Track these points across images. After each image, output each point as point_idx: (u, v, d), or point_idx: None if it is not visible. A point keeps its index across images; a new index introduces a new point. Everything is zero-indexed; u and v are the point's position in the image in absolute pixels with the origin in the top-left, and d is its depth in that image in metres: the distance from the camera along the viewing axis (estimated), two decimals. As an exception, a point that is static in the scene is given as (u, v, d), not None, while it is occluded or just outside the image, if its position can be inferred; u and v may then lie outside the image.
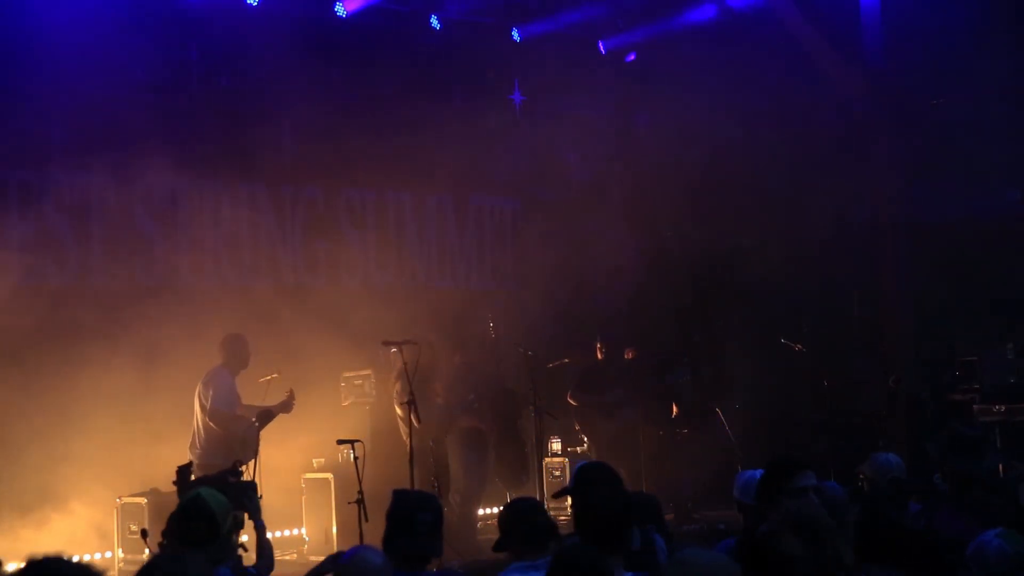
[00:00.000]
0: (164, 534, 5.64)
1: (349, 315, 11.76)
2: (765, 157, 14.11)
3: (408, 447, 10.25)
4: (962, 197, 14.53)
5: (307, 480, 11.25)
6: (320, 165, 12.55)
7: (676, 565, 4.01)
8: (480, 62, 13.97)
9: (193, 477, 7.59)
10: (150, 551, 5.73)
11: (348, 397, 11.71)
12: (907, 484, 7.16)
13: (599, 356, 12.93)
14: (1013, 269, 13.92)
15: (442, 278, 13.89)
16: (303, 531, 11.32)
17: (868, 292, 14.67)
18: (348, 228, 13.13)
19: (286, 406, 10.32)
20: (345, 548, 5.77)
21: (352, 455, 9.74)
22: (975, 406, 12.74)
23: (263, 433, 10.06)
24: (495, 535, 5.43)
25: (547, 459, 12.82)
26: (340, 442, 10.24)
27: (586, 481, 5.67)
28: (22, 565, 3.80)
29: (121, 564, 10.19)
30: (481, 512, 12.18)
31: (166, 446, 10.42)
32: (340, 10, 12.61)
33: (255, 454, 9.80)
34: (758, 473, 5.79)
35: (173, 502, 6.60)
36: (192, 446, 10.34)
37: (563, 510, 12.19)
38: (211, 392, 10.29)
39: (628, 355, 13.19)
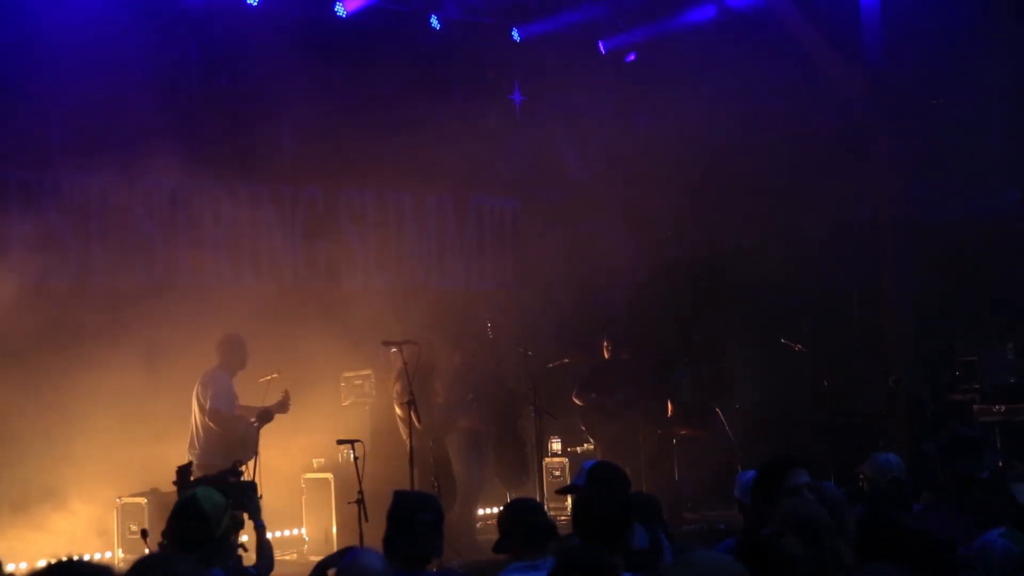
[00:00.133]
0: (164, 534, 5.64)
1: (349, 315, 11.77)
2: (765, 157, 14.11)
3: (408, 447, 10.25)
4: (962, 197, 14.53)
5: (307, 480, 11.25)
6: (320, 165, 12.55)
7: (682, 566, 4.01)
8: (480, 62, 13.97)
9: (193, 477, 7.59)
10: (150, 551, 5.72)
11: (348, 397, 11.71)
12: (909, 484, 7.16)
13: (605, 355, 12.84)
14: (1013, 269, 13.93)
15: (442, 278, 13.89)
16: (303, 531, 11.33)
17: (868, 292, 14.67)
18: (348, 228, 13.13)
19: (282, 406, 10.32)
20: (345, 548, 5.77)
21: (352, 455, 9.73)
22: (975, 406, 12.75)
23: (263, 433, 10.06)
24: (495, 535, 5.43)
25: (547, 459, 12.82)
26: (340, 442, 10.24)
27: (598, 480, 5.68)
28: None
29: (121, 564, 10.18)
30: (481, 512, 12.19)
31: (166, 446, 10.42)
32: (340, 10, 12.61)
33: (254, 454, 9.81)
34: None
35: (173, 502, 6.60)
36: (191, 447, 10.34)
37: (563, 510, 12.19)
38: (210, 392, 10.29)
39: (623, 355, 13.12)
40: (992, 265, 14.06)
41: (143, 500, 10.20)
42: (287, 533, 11.48)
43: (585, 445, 13.40)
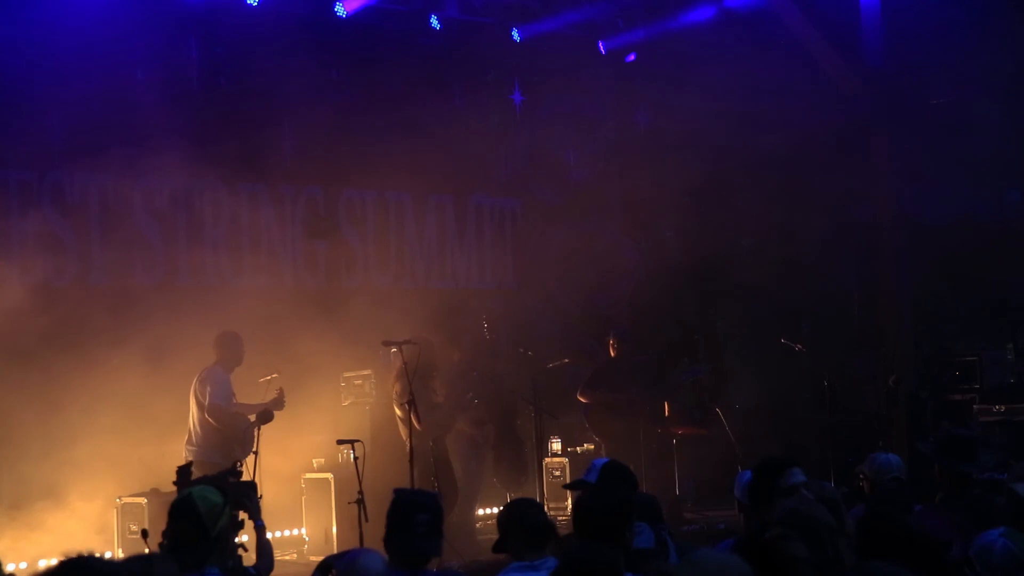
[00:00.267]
0: (164, 534, 5.63)
1: (349, 315, 11.77)
2: (765, 157, 14.11)
3: (408, 447, 10.25)
4: (962, 197, 14.53)
5: (307, 480, 11.25)
6: (320, 165, 12.55)
7: (688, 566, 4.01)
8: (480, 62, 13.96)
9: (193, 477, 7.58)
10: (150, 551, 5.71)
11: (348, 397, 11.71)
12: (909, 485, 7.16)
13: (612, 353, 12.80)
14: (1013, 269, 13.92)
15: (442, 278, 13.88)
16: (303, 531, 11.32)
17: (868, 292, 14.67)
18: (348, 228, 13.13)
19: (278, 403, 10.34)
20: (345, 548, 5.77)
21: (352, 455, 9.74)
22: (975, 406, 12.75)
23: (263, 433, 10.06)
24: (495, 535, 5.43)
25: (547, 459, 12.81)
26: (340, 442, 10.25)
27: (611, 478, 5.68)
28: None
29: (121, 564, 10.17)
30: (481, 512, 12.19)
31: (167, 446, 10.44)
32: (340, 10, 12.60)
33: (252, 452, 9.82)
34: (757, 474, 5.79)
35: (173, 502, 6.60)
36: (188, 443, 10.36)
37: (563, 510, 12.19)
38: (208, 389, 10.30)
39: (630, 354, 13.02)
40: (992, 265, 14.06)
41: (143, 500, 10.20)
42: (287, 533, 11.47)
43: (585, 445, 13.40)
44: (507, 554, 5.32)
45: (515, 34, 13.98)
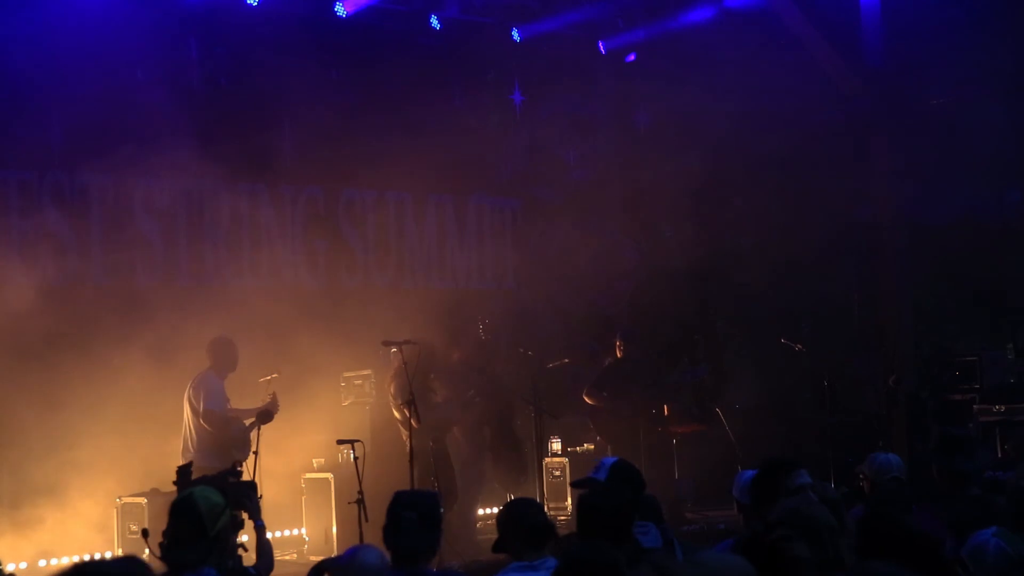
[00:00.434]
0: (164, 534, 5.64)
1: (349, 315, 11.77)
2: (765, 157, 14.11)
3: (408, 447, 10.26)
4: (962, 197, 14.53)
5: (307, 480, 11.25)
6: (320, 165, 12.55)
7: (692, 566, 4.02)
8: (480, 62, 13.97)
9: (192, 478, 7.58)
10: (150, 551, 5.72)
11: (348, 397, 11.71)
12: (909, 484, 7.17)
13: (618, 354, 12.78)
14: (1013, 269, 13.92)
15: (442, 278, 13.89)
16: (303, 531, 11.33)
17: (868, 292, 14.67)
18: (348, 228, 13.13)
19: (272, 406, 10.34)
20: (345, 548, 5.78)
21: (352, 455, 9.74)
22: (975, 406, 12.75)
23: (264, 433, 10.06)
24: (495, 535, 5.43)
25: (547, 459, 12.81)
26: (340, 442, 10.26)
27: (620, 478, 5.68)
28: (63, 566, 3.78)
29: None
30: (481, 512, 12.19)
31: (167, 446, 10.44)
32: (340, 10, 12.60)
33: (250, 454, 9.82)
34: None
35: (173, 502, 6.60)
36: (184, 450, 10.33)
37: (563, 510, 12.20)
38: (202, 394, 10.30)
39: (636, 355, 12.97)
40: (992, 265, 14.06)
41: (143, 500, 10.21)
42: (287, 533, 11.48)
43: (585, 444, 13.40)
44: (507, 554, 5.32)
45: (515, 34, 13.98)
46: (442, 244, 13.94)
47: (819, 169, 14.06)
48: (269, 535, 6.67)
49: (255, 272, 12.27)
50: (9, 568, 7.46)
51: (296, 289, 12.37)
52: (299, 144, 12.54)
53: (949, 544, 5.03)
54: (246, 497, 6.52)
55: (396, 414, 11.10)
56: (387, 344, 10.63)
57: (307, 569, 5.45)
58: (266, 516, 6.79)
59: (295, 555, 11.16)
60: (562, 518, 11.75)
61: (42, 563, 10.11)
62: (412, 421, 10.33)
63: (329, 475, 11.09)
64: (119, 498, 10.37)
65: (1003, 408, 12.47)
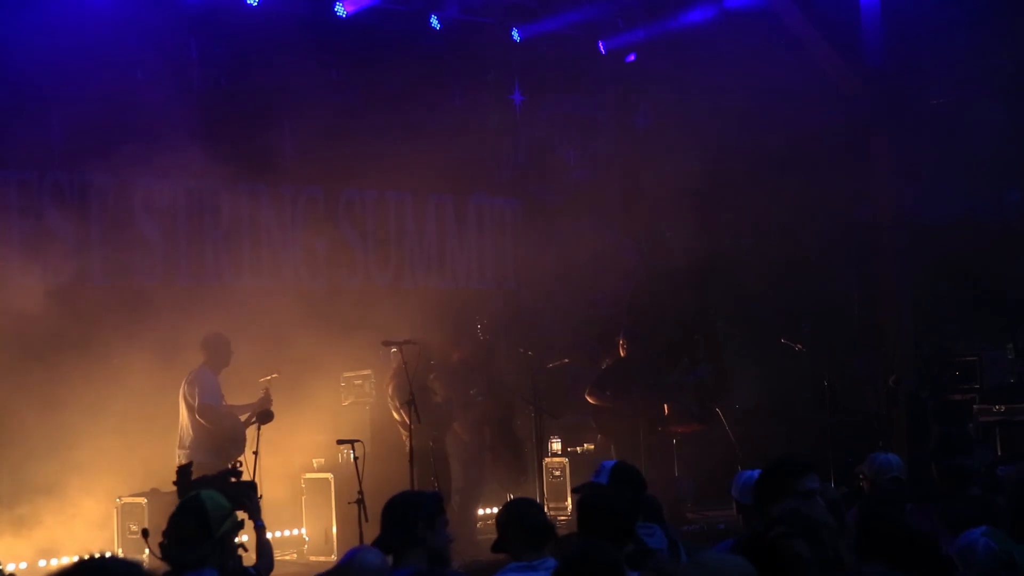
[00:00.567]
0: (165, 534, 5.65)
1: (349, 315, 11.77)
2: (765, 157, 14.11)
3: (408, 447, 10.26)
4: (962, 197, 14.53)
5: (307, 480, 11.25)
6: (320, 165, 12.55)
7: (693, 566, 4.02)
8: (480, 62, 13.97)
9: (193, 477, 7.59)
10: (150, 551, 5.73)
11: (348, 397, 11.72)
12: (908, 484, 7.17)
13: (621, 354, 12.77)
14: (1013, 269, 13.92)
15: (442, 278, 13.89)
16: (303, 531, 11.32)
17: (868, 292, 14.67)
18: (348, 228, 13.13)
19: (265, 402, 10.34)
20: (345, 548, 5.80)
21: (352, 455, 9.75)
22: (975, 406, 12.75)
23: (264, 433, 10.06)
24: (495, 535, 5.43)
25: (547, 459, 12.81)
26: (340, 442, 10.26)
27: (620, 480, 5.68)
28: (65, 564, 3.79)
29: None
30: (481, 512, 12.19)
31: (167, 446, 10.44)
32: (340, 10, 12.60)
33: (245, 451, 9.82)
34: (757, 473, 5.78)
35: (173, 502, 6.59)
36: (180, 446, 10.36)
37: (563, 510, 12.20)
38: (196, 390, 10.32)
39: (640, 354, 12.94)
40: (992, 265, 14.06)
41: (143, 500, 10.21)
42: (287, 533, 11.47)
43: (585, 445, 13.40)
44: (506, 554, 5.33)
45: (515, 34, 13.99)
46: (442, 244, 13.95)
47: (819, 169, 14.06)
48: (269, 535, 6.68)
49: (255, 272, 12.27)
50: (9, 568, 7.47)
51: (296, 289, 12.37)
52: (299, 144, 12.54)
53: (945, 543, 5.03)
54: (246, 497, 6.53)
55: (394, 415, 11.10)
56: (387, 344, 10.64)
57: (307, 569, 5.47)
58: (266, 516, 6.79)
59: (295, 555, 11.15)
60: (562, 518, 11.75)
61: (42, 563, 10.11)
62: (409, 421, 10.34)
63: (329, 475, 11.10)
64: (119, 498, 10.37)
65: (1003, 408, 12.46)
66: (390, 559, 5.25)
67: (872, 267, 14.66)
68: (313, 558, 10.77)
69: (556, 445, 13.05)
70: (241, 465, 8.20)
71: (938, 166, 14.38)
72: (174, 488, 7.33)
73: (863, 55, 14.31)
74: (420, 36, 13.32)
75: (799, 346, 13.44)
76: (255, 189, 12.36)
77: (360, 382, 11.68)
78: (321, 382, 11.47)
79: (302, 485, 11.24)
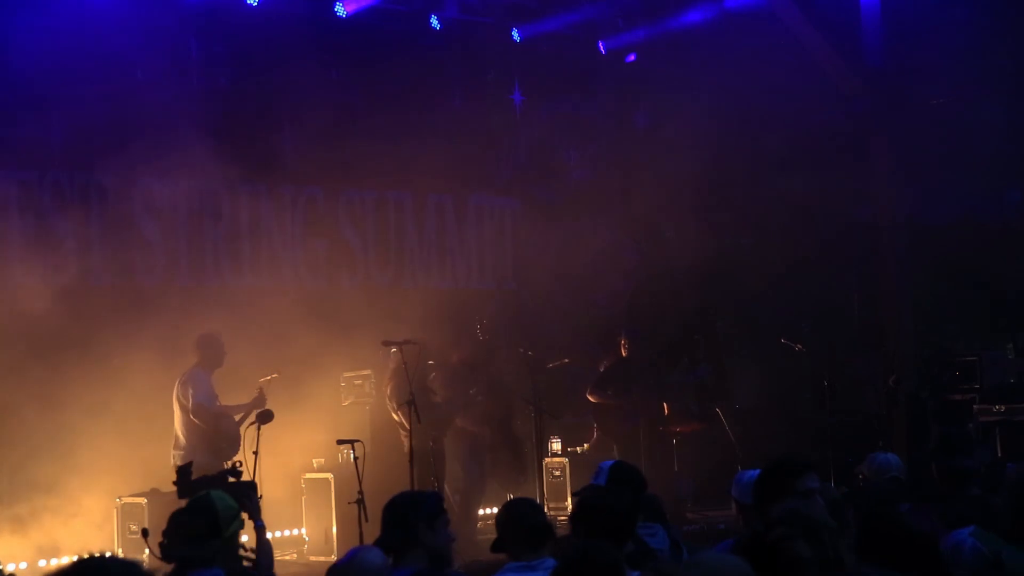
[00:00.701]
0: (165, 534, 5.65)
1: (349, 315, 11.77)
2: (765, 157, 14.11)
3: (407, 447, 10.26)
4: (962, 197, 14.54)
5: (307, 480, 11.25)
6: (320, 165, 12.55)
7: (691, 566, 4.03)
8: (480, 62, 13.97)
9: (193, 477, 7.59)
10: (150, 551, 5.74)
11: (348, 397, 11.72)
12: (908, 484, 7.17)
13: (623, 353, 12.76)
14: (1013, 269, 13.93)
15: (442, 278, 13.89)
16: (303, 531, 11.32)
17: (868, 292, 14.67)
18: (348, 228, 13.13)
19: (259, 402, 10.34)
20: (345, 548, 5.81)
21: (352, 455, 9.75)
22: (975, 406, 12.75)
23: (263, 433, 10.06)
24: (495, 535, 5.44)
25: (547, 459, 12.81)
26: (340, 442, 10.26)
27: (618, 480, 5.68)
28: (63, 564, 3.81)
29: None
30: (481, 512, 12.19)
31: (167, 446, 10.44)
32: (340, 10, 12.60)
33: (241, 450, 9.82)
34: (757, 473, 5.78)
35: (173, 502, 6.62)
36: (175, 446, 10.37)
37: (563, 510, 12.19)
38: (190, 391, 10.32)
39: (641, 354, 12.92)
40: (992, 266, 14.06)
41: (143, 500, 10.22)
42: (287, 533, 11.48)
43: (585, 445, 13.40)
44: (506, 554, 5.33)
45: (515, 34, 13.98)
46: (442, 244, 13.94)
47: (819, 169, 14.06)
48: (269, 535, 6.68)
49: (255, 272, 12.27)
50: (9, 568, 7.47)
51: (296, 289, 12.37)
52: (299, 144, 12.54)
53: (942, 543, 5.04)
54: (246, 497, 6.54)
55: (393, 415, 11.11)
56: (387, 344, 10.64)
57: (307, 569, 5.48)
58: (266, 516, 6.79)
59: (295, 555, 11.16)
60: (562, 518, 11.72)
61: (42, 563, 10.11)
62: (407, 421, 10.34)
63: (329, 475, 11.10)
64: (119, 498, 10.37)
65: (1003, 408, 12.47)
66: (391, 559, 5.26)
67: (872, 267, 14.66)
68: (313, 558, 10.77)
69: (556, 445, 13.05)
70: (241, 465, 8.21)
71: (938, 166, 14.39)
72: (174, 488, 7.34)
73: (863, 55, 14.31)
74: (420, 36, 13.31)
75: (799, 346, 13.44)
76: (255, 189, 12.35)
77: (360, 382, 11.68)
78: (321, 382, 11.46)
79: (302, 485, 11.24)
